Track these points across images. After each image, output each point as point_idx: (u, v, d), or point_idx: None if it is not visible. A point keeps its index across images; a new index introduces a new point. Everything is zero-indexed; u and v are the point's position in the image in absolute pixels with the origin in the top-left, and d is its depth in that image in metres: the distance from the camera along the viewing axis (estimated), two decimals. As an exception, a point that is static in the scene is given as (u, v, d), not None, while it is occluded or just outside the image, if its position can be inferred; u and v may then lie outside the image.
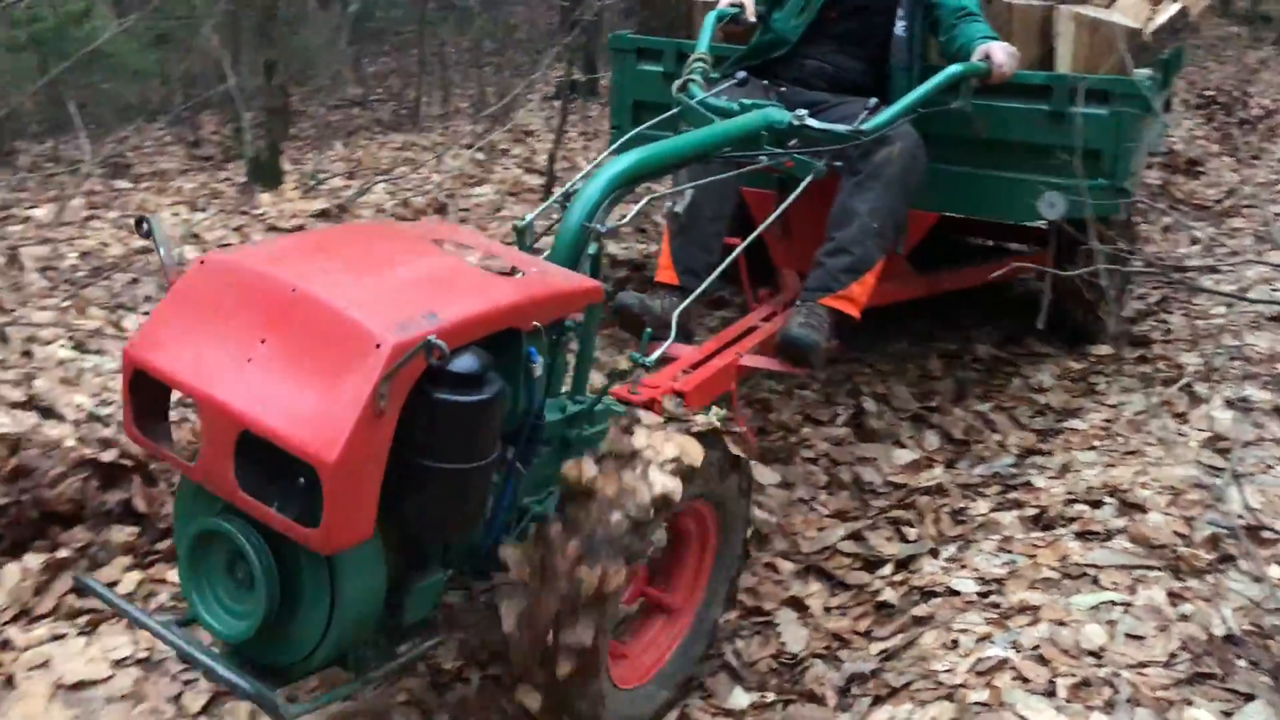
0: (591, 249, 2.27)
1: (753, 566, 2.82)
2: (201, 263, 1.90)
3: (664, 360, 2.78)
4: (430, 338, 1.65)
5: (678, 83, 3.05)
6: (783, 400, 3.69)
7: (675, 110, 3.02)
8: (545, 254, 2.27)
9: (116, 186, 6.07)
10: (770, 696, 2.38)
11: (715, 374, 2.85)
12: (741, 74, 3.29)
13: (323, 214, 5.33)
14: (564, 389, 2.28)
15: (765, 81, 3.39)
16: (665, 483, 2.00)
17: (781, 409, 3.64)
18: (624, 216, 2.35)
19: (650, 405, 2.46)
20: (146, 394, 1.89)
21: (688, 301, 2.50)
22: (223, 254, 1.95)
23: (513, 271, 2.03)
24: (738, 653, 2.53)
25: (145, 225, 1.99)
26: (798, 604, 2.70)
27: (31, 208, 5.51)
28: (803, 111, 2.75)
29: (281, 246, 2.17)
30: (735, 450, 2.26)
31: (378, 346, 1.66)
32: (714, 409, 2.33)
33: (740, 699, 2.38)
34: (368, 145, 7.30)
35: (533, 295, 1.95)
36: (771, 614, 2.66)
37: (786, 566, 2.85)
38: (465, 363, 1.78)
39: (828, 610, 2.67)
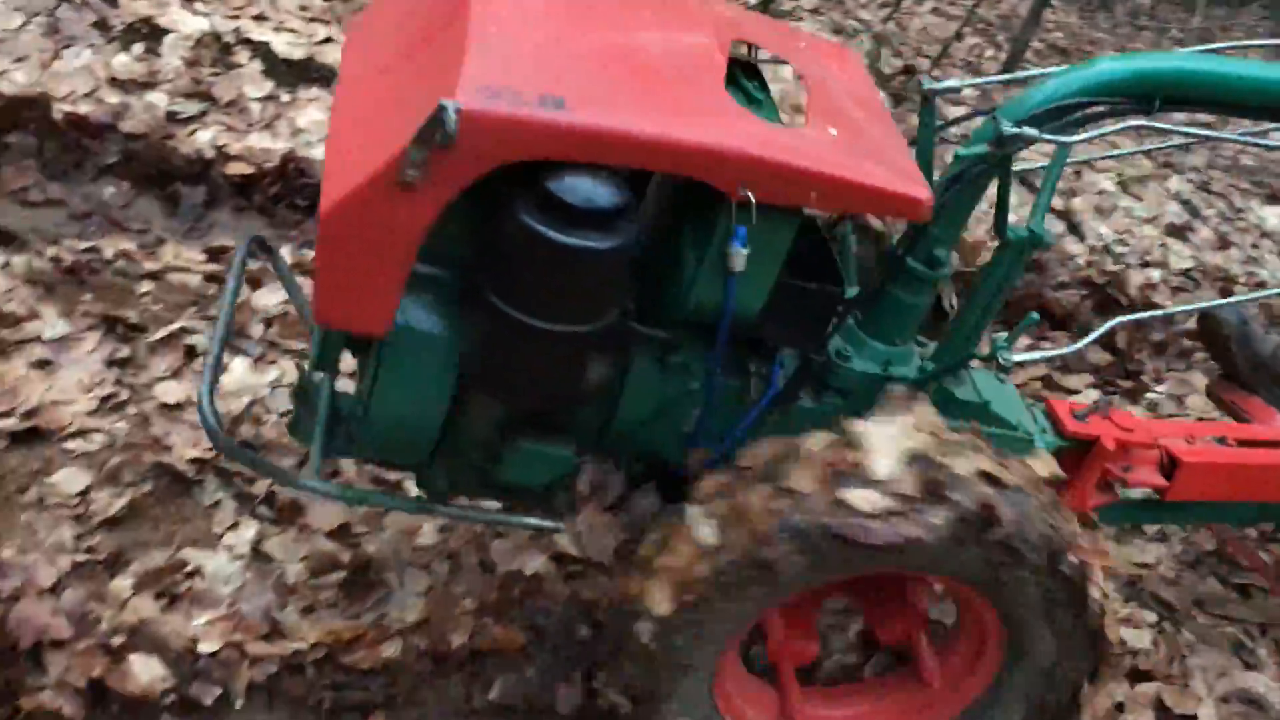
0: (968, 147, 1.60)
1: None
2: None
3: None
4: (449, 105, 1.20)
5: None
6: None
7: None
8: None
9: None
10: None
11: (1258, 469, 2.06)
12: None
13: None
14: (917, 340, 1.78)
15: None
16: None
17: None
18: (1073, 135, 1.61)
19: (1085, 445, 1.87)
20: None
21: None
22: None
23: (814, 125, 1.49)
24: None
25: None
26: None
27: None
28: None
29: None
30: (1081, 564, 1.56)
31: (441, 105, 1.26)
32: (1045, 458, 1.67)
33: None
34: None
35: (765, 156, 1.36)
36: None
37: None
38: (570, 186, 1.32)
39: None
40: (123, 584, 1.94)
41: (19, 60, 2.97)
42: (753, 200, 1.39)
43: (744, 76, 1.65)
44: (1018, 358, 1.63)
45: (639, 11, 1.59)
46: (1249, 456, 2.08)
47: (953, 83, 1.81)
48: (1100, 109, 1.67)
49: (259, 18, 3.45)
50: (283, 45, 3.35)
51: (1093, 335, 1.72)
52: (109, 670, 1.81)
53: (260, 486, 2.18)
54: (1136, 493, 2.05)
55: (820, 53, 1.75)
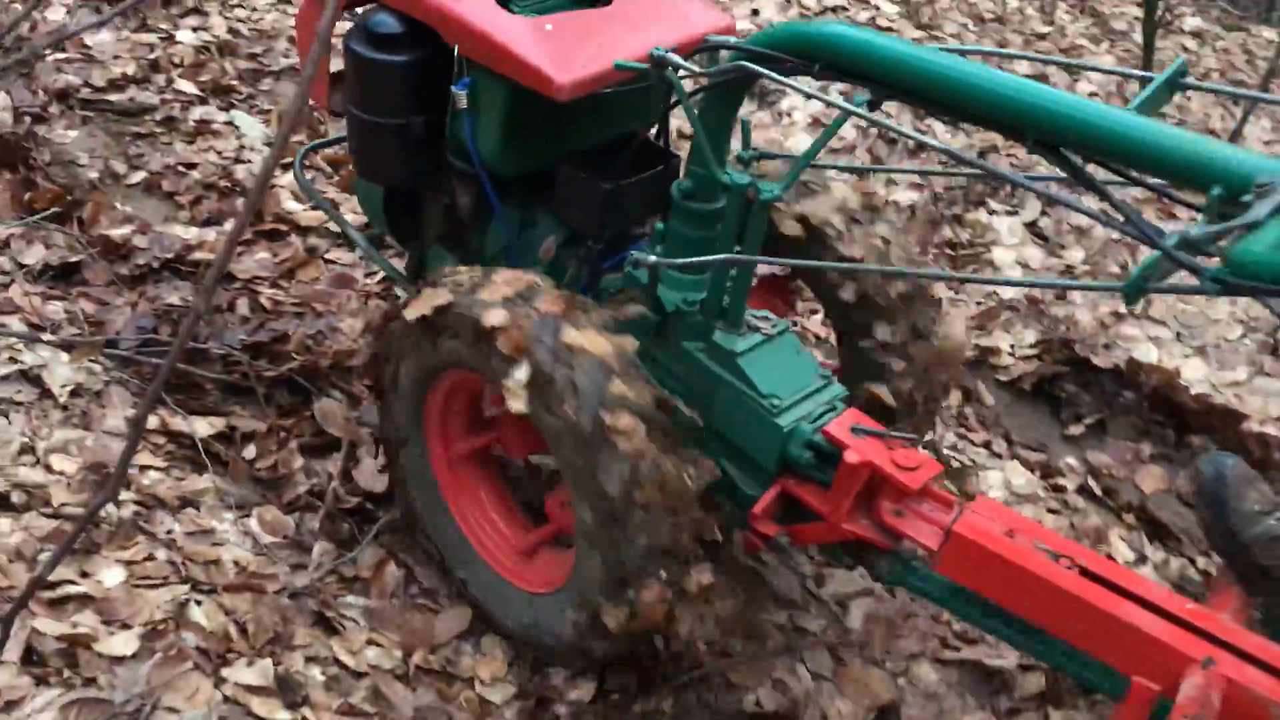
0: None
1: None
2: None
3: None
4: None
5: None
6: None
7: None
8: None
9: None
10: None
11: (1047, 585, 1.66)
12: None
13: None
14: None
15: None
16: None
17: None
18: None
19: (842, 457, 1.74)
20: None
21: None
22: None
23: None
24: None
25: None
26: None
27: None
28: None
29: None
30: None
31: None
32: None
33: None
34: None
35: (459, 15, 1.90)
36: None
37: None
38: (371, 19, 1.99)
39: None
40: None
41: (1223, 369, 3.17)
42: (456, 50, 1.97)
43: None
44: (649, 259, 1.82)
45: None
46: (1046, 570, 1.68)
47: None
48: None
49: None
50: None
51: (693, 260, 1.82)
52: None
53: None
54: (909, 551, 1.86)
55: None
